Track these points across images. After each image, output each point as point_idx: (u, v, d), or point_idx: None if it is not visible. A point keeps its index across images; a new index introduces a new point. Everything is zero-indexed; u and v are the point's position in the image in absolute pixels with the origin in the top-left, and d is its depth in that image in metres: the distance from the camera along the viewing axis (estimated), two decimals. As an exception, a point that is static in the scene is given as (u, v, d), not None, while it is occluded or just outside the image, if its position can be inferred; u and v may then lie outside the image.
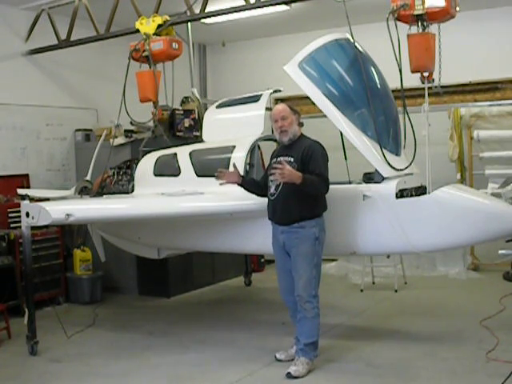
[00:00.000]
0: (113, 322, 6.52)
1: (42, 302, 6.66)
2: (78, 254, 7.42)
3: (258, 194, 5.19)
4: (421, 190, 5.06)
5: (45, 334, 5.71)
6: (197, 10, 6.60)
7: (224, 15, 6.71)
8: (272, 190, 4.89)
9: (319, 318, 4.84)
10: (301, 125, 4.99)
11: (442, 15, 4.86)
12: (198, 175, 5.91)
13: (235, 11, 6.49)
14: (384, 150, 5.05)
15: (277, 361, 5.01)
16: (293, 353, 4.97)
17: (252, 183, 5.24)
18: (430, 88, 5.02)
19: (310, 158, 4.75)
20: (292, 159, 4.80)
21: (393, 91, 5.49)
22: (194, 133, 7.56)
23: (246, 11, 6.56)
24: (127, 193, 6.51)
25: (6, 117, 7.46)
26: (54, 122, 7.99)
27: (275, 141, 6.07)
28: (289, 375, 4.71)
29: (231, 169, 5.17)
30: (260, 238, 5.48)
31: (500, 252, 7.41)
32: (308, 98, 5.26)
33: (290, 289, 4.89)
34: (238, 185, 5.15)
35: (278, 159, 4.91)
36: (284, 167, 4.55)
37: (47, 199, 6.47)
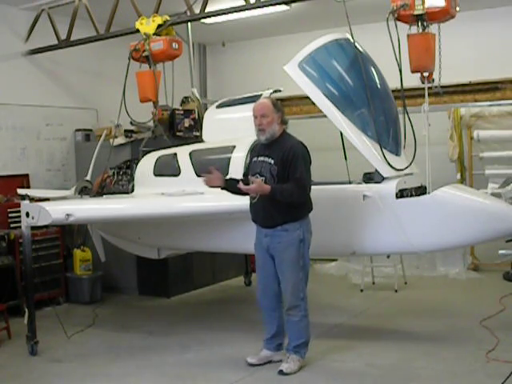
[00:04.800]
0: (113, 322, 6.52)
1: (42, 301, 6.66)
2: (78, 253, 7.42)
3: (243, 195, 5.03)
4: (421, 190, 5.06)
5: (45, 334, 5.69)
6: (197, 10, 6.60)
7: (224, 15, 6.71)
8: None
9: (307, 319, 4.84)
10: (284, 122, 4.81)
11: (442, 15, 4.87)
12: (198, 175, 5.90)
13: (235, 11, 6.49)
14: (384, 150, 5.06)
15: (248, 365, 4.92)
16: (263, 356, 4.96)
17: (235, 185, 4.87)
18: (430, 88, 5.03)
19: (290, 161, 4.64)
20: (272, 161, 4.70)
21: (393, 91, 5.49)
22: (194, 133, 7.55)
23: (246, 11, 6.56)
24: (127, 193, 6.51)
25: (6, 117, 7.46)
26: (54, 122, 7.99)
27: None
28: (281, 372, 4.73)
29: (215, 174, 4.95)
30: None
31: (500, 252, 7.44)
32: (308, 97, 5.26)
33: (268, 292, 4.90)
34: (222, 188, 4.96)
35: (259, 159, 4.81)
36: (250, 188, 4.54)
37: (47, 199, 6.47)
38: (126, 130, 7.42)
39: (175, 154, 6.26)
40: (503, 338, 5.30)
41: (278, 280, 4.87)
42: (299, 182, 4.65)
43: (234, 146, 5.77)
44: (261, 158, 4.80)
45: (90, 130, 8.20)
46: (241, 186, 4.63)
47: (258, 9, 6.47)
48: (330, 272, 8.50)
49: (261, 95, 6.07)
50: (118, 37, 7.24)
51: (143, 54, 6.48)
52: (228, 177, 5.02)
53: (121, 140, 7.36)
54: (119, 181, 6.75)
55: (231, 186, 4.94)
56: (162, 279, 7.50)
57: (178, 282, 7.63)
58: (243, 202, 5.11)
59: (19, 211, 5.50)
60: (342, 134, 5.29)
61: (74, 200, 6.59)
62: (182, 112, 7.57)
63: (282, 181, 4.64)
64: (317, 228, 5.40)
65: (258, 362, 4.93)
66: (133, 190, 6.50)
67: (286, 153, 4.67)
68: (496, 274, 7.85)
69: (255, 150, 4.98)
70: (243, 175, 5.07)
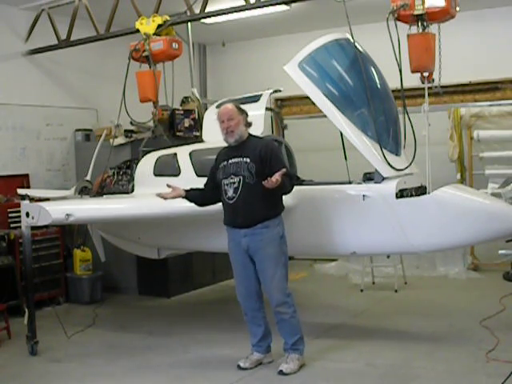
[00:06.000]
0: (113, 322, 6.52)
1: (42, 301, 6.67)
2: (78, 253, 7.43)
3: (201, 204, 5.02)
4: (421, 190, 5.06)
5: (45, 334, 5.70)
6: (197, 10, 6.60)
7: (224, 15, 6.71)
8: (230, 193, 4.75)
9: (297, 315, 4.84)
10: (248, 125, 4.88)
11: (442, 15, 4.87)
12: (198, 175, 5.90)
13: (235, 11, 6.49)
14: (384, 150, 5.06)
15: (240, 369, 4.89)
16: (255, 359, 4.95)
17: (197, 194, 5.02)
18: (430, 88, 5.03)
19: (270, 156, 4.71)
20: (248, 159, 4.72)
21: (393, 91, 5.49)
22: (194, 133, 7.55)
23: (246, 11, 6.56)
24: (127, 193, 6.50)
25: (6, 117, 7.46)
26: (54, 122, 7.99)
27: (276, 140, 6.06)
28: (281, 373, 4.73)
29: (168, 190, 4.97)
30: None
31: (500, 252, 7.44)
32: (308, 97, 5.26)
33: (250, 294, 4.88)
34: (183, 198, 4.98)
35: (230, 161, 4.79)
36: (275, 180, 4.48)
37: (47, 199, 6.47)
38: (126, 130, 7.42)
39: (175, 154, 6.26)
40: (503, 338, 5.30)
41: (258, 280, 4.87)
42: (289, 174, 4.73)
43: (234, 146, 5.77)
44: (233, 160, 4.79)
45: (90, 130, 8.19)
46: (266, 183, 4.51)
47: (258, 9, 6.47)
48: (330, 272, 8.51)
49: (261, 95, 6.08)
50: (118, 37, 7.24)
51: (143, 54, 6.47)
52: (189, 187, 5.01)
53: (121, 140, 7.36)
54: (119, 181, 6.75)
55: (192, 196, 4.99)
56: (162, 279, 7.51)
57: (178, 282, 7.64)
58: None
59: (19, 211, 5.50)
60: (341, 133, 5.28)
61: (74, 200, 6.59)
62: (182, 112, 7.57)
63: (261, 177, 4.62)
64: (317, 228, 5.42)
65: (250, 366, 4.90)
66: (133, 190, 6.49)
67: (264, 149, 4.74)
68: (496, 274, 7.85)
69: (220, 157, 4.95)
70: (205, 185, 5.05)
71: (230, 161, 4.81)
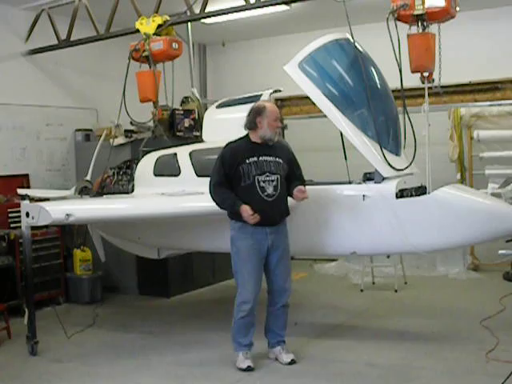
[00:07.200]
0: (113, 322, 6.52)
1: (42, 302, 6.68)
2: (78, 253, 7.43)
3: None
4: (421, 190, 5.07)
5: (45, 334, 5.70)
6: (197, 10, 6.60)
7: (224, 15, 6.71)
8: (270, 190, 4.75)
9: None
10: None
11: (442, 15, 4.87)
12: (198, 175, 5.91)
13: (235, 11, 6.50)
14: (384, 150, 5.06)
15: (240, 369, 4.88)
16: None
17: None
18: (430, 88, 5.03)
19: (293, 160, 5.01)
20: (281, 161, 4.87)
21: (393, 91, 5.49)
22: (193, 133, 7.55)
23: (246, 11, 6.57)
24: (127, 193, 6.51)
25: (6, 117, 7.47)
26: (54, 122, 8.00)
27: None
28: (293, 362, 4.91)
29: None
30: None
31: (500, 252, 7.42)
32: (308, 97, 5.26)
33: (258, 294, 4.94)
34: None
35: (262, 159, 4.78)
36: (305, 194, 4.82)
37: (47, 199, 6.47)
38: (126, 130, 7.42)
39: (175, 154, 6.26)
40: (503, 337, 5.30)
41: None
42: (303, 178, 5.07)
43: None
44: (266, 158, 4.81)
45: (90, 130, 8.20)
46: (297, 196, 4.81)
47: (258, 9, 6.48)
48: (330, 272, 8.51)
49: (261, 95, 6.07)
50: (118, 37, 7.24)
51: (143, 54, 6.49)
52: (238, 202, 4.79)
53: (121, 140, 7.37)
54: (119, 181, 6.75)
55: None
56: (162, 279, 7.51)
57: (178, 282, 7.64)
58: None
59: (19, 211, 5.50)
60: (341, 133, 5.29)
61: (74, 200, 6.59)
62: (181, 112, 7.55)
63: (286, 179, 4.89)
64: (317, 228, 5.42)
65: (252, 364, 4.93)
66: (133, 190, 6.50)
67: (289, 152, 5.04)
68: (496, 274, 7.85)
69: (243, 151, 4.81)
70: (224, 178, 4.83)
71: (260, 158, 4.80)
